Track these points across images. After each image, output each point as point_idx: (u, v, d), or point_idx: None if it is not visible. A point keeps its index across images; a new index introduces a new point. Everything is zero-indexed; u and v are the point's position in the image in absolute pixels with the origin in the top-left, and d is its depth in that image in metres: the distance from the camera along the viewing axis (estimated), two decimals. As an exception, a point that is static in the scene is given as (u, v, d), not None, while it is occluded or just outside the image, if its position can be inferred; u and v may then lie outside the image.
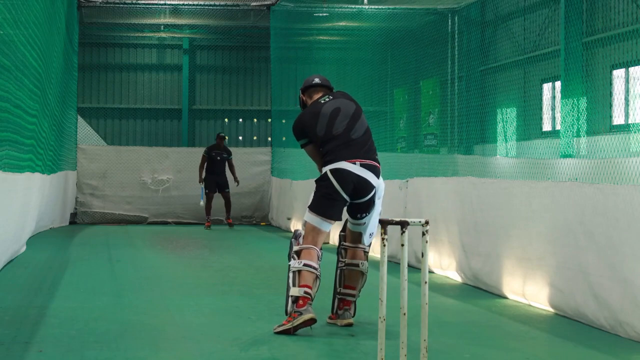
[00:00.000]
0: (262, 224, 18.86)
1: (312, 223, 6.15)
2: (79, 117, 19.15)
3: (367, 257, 6.46)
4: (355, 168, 6.10)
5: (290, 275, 6.01)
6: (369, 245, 6.49)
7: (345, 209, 6.31)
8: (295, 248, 6.11)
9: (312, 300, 5.96)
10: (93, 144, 19.43)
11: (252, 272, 9.89)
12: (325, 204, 6.11)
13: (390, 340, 5.30)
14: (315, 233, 6.13)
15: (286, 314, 6.00)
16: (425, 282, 4.54)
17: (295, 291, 5.91)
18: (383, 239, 4.58)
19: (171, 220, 18.61)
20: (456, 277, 9.05)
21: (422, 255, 4.53)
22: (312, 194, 6.24)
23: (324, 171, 6.17)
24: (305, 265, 5.98)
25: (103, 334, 5.82)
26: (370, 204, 6.23)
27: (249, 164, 18.95)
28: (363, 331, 6.08)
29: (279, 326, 5.93)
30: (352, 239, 6.41)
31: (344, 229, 6.50)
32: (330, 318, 6.37)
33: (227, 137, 18.08)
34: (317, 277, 6.04)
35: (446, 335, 5.97)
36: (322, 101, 6.38)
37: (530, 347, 5.80)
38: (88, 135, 19.62)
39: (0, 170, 8.42)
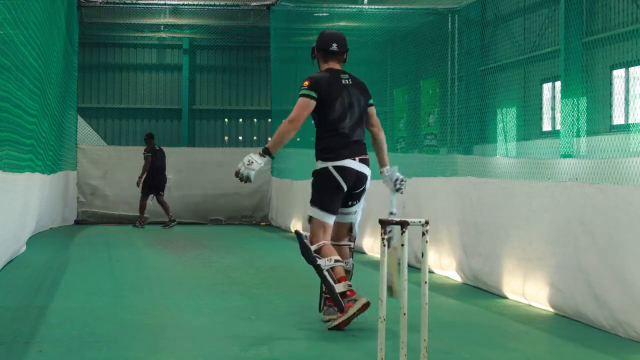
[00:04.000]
0: (262, 224, 18.86)
1: (318, 218, 6.29)
2: (79, 117, 19.14)
3: (352, 253, 6.55)
4: (355, 164, 6.32)
5: (326, 274, 6.08)
6: (354, 241, 6.57)
7: None
8: (313, 247, 6.18)
9: None
10: (93, 144, 19.43)
11: (252, 272, 9.89)
12: (329, 198, 6.27)
13: (390, 340, 5.30)
14: (323, 228, 6.28)
15: (340, 310, 6.04)
16: (425, 282, 4.54)
17: (340, 287, 6.05)
18: (383, 239, 4.58)
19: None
20: (456, 277, 9.04)
21: (422, 255, 4.53)
22: (312, 189, 6.36)
23: (323, 166, 6.29)
24: (336, 261, 6.12)
25: (103, 334, 5.82)
26: (362, 192, 6.44)
27: (249, 164, 18.93)
28: (363, 331, 6.08)
29: (334, 321, 6.04)
30: (337, 235, 6.47)
31: None
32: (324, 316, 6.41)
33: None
34: (345, 269, 6.25)
35: (446, 335, 5.97)
36: (344, 82, 6.40)
37: (530, 347, 5.80)
38: (88, 135, 19.62)
39: (0, 170, 8.42)
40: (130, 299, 7.55)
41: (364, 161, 6.38)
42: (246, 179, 6.18)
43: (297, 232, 6.32)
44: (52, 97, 13.34)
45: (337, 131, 6.32)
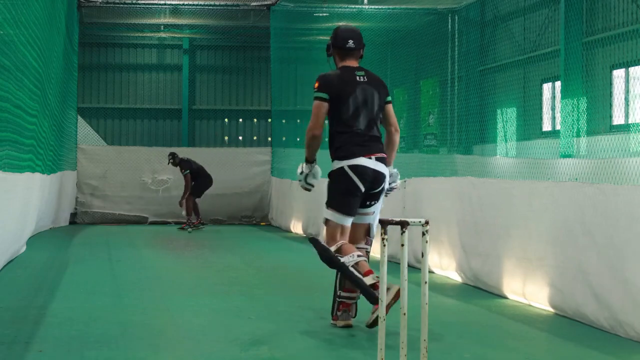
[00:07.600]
0: (262, 224, 18.86)
1: (335, 220, 6.13)
2: (79, 117, 19.14)
3: (368, 257, 6.37)
4: (371, 163, 6.15)
5: (352, 270, 5.88)
6: (371, 245, 6.43)
7: None
8: (333, 248, 6.01)
9: None
10: (93, 144, 19.42)
11: (252, 272, 9.89)
12: (346, 200, 6.11)
13: (390, 340, 5.30)
14: (339, 230, 6.13)
15: (374, 302, 5.75)
16: (425, 282, 4.54)
17: (369, 280, 5.79)
18: (383, 239, 4.58)
19: (172, 221, 18.61)
20: (456, 277, 9.05)
21: (422, 255, 4.53)
22: (328, 190, 6.20)
23: (339, 166, 6.14)
24: (358, 256, 5.95)
25: (103, 334, 5.82)
26: (381, 192, 6.28)
27: (249, 164, 18.95)
28: (363, 331, 6.08)
29: (373, 315, 5.90)
30: (354, 238, 6.31)
31: None
32: (332, 320, 6.34)
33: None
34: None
35: (446, 335, 5.97)
36: (359, 79, 6.26)
37: (530, 347, 5.81)
38: (88, 135, 19.61)
39: (0, 170, 8.42)
40: (130, 299, 7.55)
41: (381, 159, 6.20)
42: (306, 188, 6.45)
43: (312, 239, 6.07)
44: (52, 97, 13.34)
45: (352, 129, 6.17)
